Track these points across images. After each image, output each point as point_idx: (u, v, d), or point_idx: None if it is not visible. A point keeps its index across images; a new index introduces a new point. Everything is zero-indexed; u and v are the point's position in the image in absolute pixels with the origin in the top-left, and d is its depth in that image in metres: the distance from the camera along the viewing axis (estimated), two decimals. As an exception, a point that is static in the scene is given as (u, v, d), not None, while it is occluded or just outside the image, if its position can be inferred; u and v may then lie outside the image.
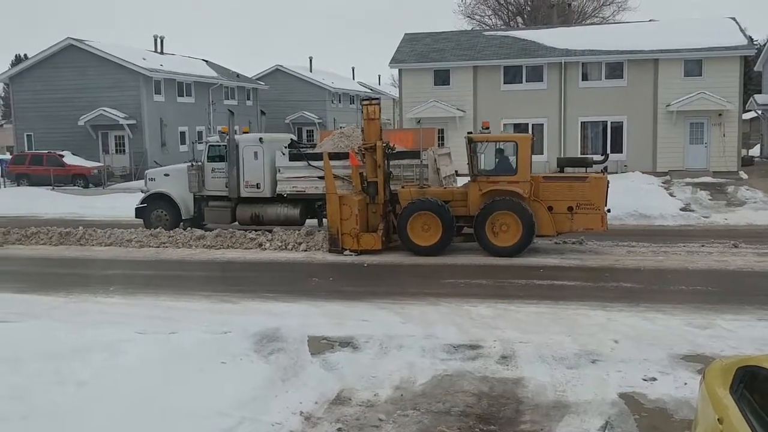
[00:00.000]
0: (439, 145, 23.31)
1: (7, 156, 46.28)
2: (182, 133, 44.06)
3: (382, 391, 8.08)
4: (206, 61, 51.92)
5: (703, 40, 33.82)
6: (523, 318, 11.11)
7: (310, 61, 63.49)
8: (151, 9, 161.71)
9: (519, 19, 61.15)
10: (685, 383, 8.01)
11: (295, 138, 22.36)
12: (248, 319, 10.80)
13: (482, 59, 36.02)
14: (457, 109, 35.76)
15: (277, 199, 19.78)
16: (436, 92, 36.27)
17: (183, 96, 44.65)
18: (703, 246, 17.02)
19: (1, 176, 39.59)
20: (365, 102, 17.74)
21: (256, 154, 19.80)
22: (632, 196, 23.66)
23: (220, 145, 20.23)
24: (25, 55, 64.68)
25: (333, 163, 17.72)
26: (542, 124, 35.27)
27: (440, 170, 18.31)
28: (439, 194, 17.17)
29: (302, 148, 20.77)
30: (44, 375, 7.13)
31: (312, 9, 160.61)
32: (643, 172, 32.35)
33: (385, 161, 17.39)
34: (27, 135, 42.86)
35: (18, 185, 37.45)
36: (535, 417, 7.28)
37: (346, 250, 17.13)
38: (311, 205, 19.76)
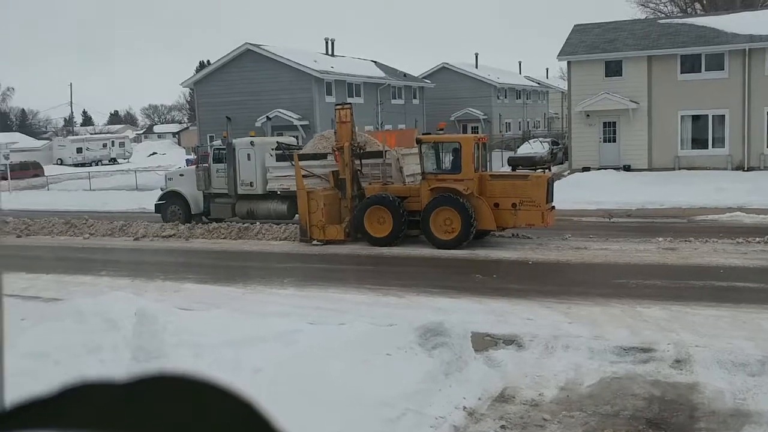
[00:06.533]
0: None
1: (192, 156, 49.79)
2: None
3: (547, 391, 7.93)
4: (375, 61, 53.09)
5: None
6: (699, 321, 10.49)
7: (476, 57, 63.31)
8: (323, 13, 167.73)
9: (697, 5, 57.71)
10: None
11: (286, 141, 24.13)
12: (412, 312, 10.98)
13: (657, 48, 34.32)
14: (630, 100, 34.30)
15: (269, 195, 22.01)
16: (608, 84, 34.98)
17: (353, 96, 45.96)
18: None
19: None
20: (338, 106, 19.63)
21: (249, 155, 22.18)
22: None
23: (222, 149, 22.75)
24: (208, 61, 68.96)
25: (312, 162, 20.17)
26: (723, 116, 33.08)
27: (403, 169, 19.57)
28: (398, 191, 18.56)
29: (293, 149, 22.36)
30: (224, 361, 7.61)
31: (480, 3, 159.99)
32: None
33: (355, 160, 19.07)
34: (209, 136, 45.82)
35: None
36: (710, 425, 6.86)
37: (314, 240, 18.81)
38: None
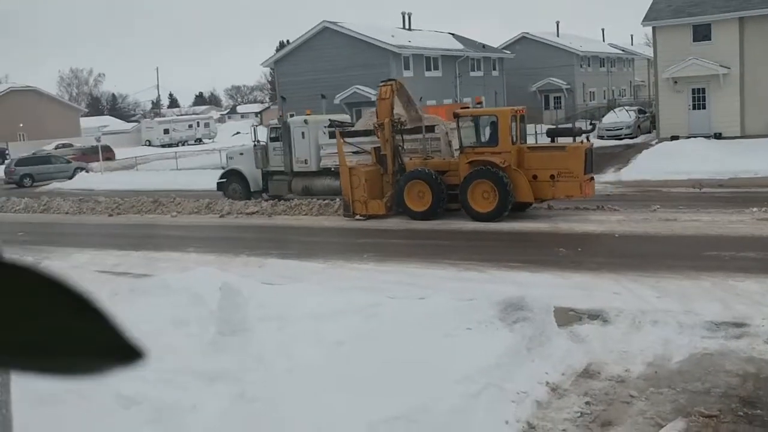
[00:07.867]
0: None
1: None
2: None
3: (634, 367, 7.71)
4: (452, 34, 52.46)
5: None
6: (798, 294, 10.00)
7: (557, 25, 61.80)
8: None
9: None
10: None
11: (339, 118, 24.69)
12: (493, 287, 10.84)
13: (750, 9, 32.66)
14: (720, 65, 32.84)
15: (323, 172, 22.29)
16: (696, 49, 33.55)
17: (430, 70, 45.61)
18: None
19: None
20: (381, 83, 19.81)
21: (303, 134, 22.56)
22: None
23: (278, 127, 23.34)
24: (288, 40, 69.64)
25: (362, 138, 20.37)
26: (825, 78, 31.32)
27: (452, 143, 19.48)
28: (438, 165, 18.69)
29: (346, 126, 22.69)
30: (306, 333, 7.71)
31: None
32: None
33: (397, 135, 19.22)
34: (289, 114, 46.35)
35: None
36: (811, 404, 6.53)
37: (357, 214, 19.27)
38: None
